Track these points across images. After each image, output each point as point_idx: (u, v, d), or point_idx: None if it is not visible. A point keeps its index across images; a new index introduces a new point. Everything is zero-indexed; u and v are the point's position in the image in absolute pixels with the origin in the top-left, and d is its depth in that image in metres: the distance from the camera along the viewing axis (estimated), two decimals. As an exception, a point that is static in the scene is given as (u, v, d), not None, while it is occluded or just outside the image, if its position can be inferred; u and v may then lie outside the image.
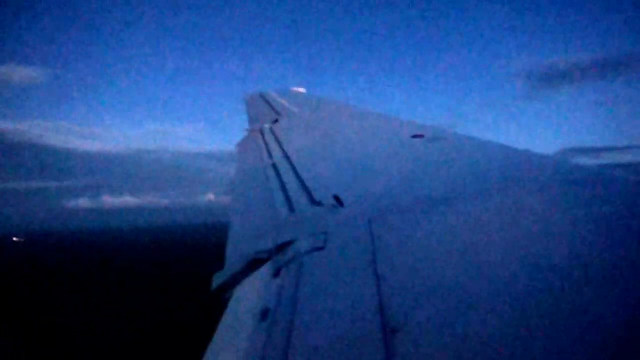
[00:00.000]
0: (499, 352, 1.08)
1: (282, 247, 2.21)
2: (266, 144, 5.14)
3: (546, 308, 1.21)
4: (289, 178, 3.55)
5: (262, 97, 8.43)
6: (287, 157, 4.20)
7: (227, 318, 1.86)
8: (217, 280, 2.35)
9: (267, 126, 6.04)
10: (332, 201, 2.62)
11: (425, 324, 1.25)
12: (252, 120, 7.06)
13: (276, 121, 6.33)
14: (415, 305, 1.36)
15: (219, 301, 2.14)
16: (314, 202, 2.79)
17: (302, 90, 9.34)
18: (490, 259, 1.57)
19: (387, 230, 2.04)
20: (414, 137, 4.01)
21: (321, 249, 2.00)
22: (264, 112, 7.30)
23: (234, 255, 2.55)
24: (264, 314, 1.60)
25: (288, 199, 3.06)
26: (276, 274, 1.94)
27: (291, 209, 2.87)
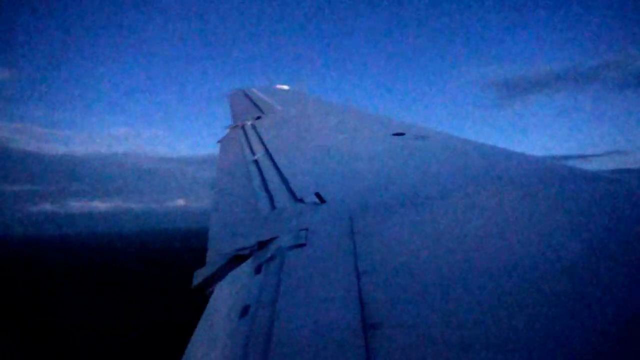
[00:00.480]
0: (479, 347, 1.10)
1: (263, 244, 2.21)
2: (248, 141, 5.12)
3: (526, 304, 1.24)
4: (270, 175, 3.55)
5: (245, 94, 8.40)
6: (269, 154, 4.20)
7: (207, 314, 1.86)
8: (198, 276, 2.34)
9: (249, 123, 6.02)
10: (314, 198, 2.63)
11: (405, 320, 1.27)
12: (235, 117, 7.02)
13: (259, 118, 6.30)
14: (396, 301, 1.38)
15: (200, 298, 2.13)
16: (295, 198, 2.79)
17: (285, 87, 9.32)
18: (471, 256, 1.59)
19: (368, 227, 2.05)
20: (396, 135, 4.04)
21: (302, 245, 2.01)
22: (246, 108, 7.27)
23: (215, 251, 2.54)
24: (245, 311, 1.60)
25: (269, 196, 3.06)
26: (257, 270, 1.94)
27: (273, 205, 2.87)
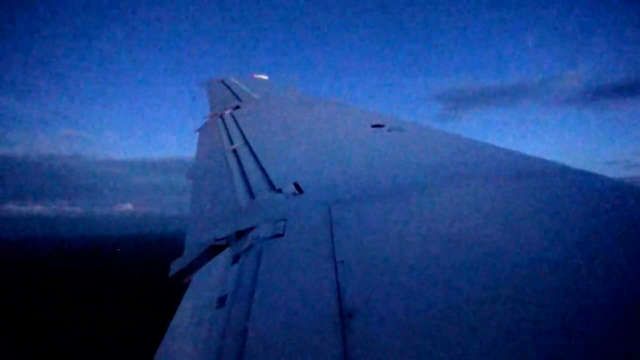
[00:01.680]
0: (454, 335, 1.12)
1: (241, 234, 2.21)
2: (227, 130, 5.08)
3: (501, 293, 1.27)
4: (249, 164, 3.53)
5: (224, 82, 8.31)
6: (247, 144, 4.17)
7: (184, 304, 1.85)
8: (175, 266, 2.33)
9: (228, 112, 5.96)
10: (292, 188, 2.63)
11: (381, 310, 1.28)
12: (213, 106, 6.95)
13: (237, 107, 6.25)
14: (372, 291, 1.39)
15: (177, 288, 2.12)
16: (273, 188, 2.79)
17: (264, 77, 9.25)
18: (447, 247, 1.62)
19: (346, 218, 2.07)
20: (374, 126, 4.06)
21: (280, 235, 2.01)
22: (225, 97, 7.20)
23: (193, 241, 2.53)
24: (222, 301, 1.60)
25: (248, 186, 3.05)
26: (235, 260, 1.94)
27: (251, 195, 2.86)
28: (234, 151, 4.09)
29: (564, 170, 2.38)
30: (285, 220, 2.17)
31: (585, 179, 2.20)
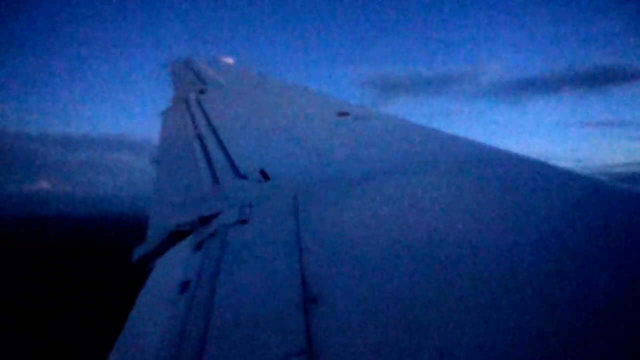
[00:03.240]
0: (415, 320, 1.16)
1: (205, 220, 2.20)
2: (192, 115, 4.99)
3: (461, 275, 1.33)
4: (214, 150, 3.49)
5: (188, 64, 8.13)
6: (213, 129, 4.12)
7: (146, 290, 1.84)
8: (138, 252, 2.30)
9: (192, 96, 5.85)
10: (258, 175, 2.63)
11: (344, 295, 1.32)
12: (177, 89, 6.80)
13: (202, 91, 6.14)
14: (336, 277, 1.43)
15: (140, 273, 2.10)
16: (239, 175, 2.78)
17: (230, 60, 9.10)
18: (409, 234, 1.67)
19: (311, 205, 2.09)
20: (340, 114, 4.08)
21: (245, 222, 2.01)
22: (189, 80, 7.05)
23: (156, 227, 2.50)
24: (184, 286, 1.60)
25: (212, 171, 3.02)
26: (198, 246, 1.93)
27: (216, 181, 2.84)
28: (199, 136, 4.03)
29: (522, 160, 2.46)
30: (250, 206, 2.17)
31: (542, 169, 2.29)
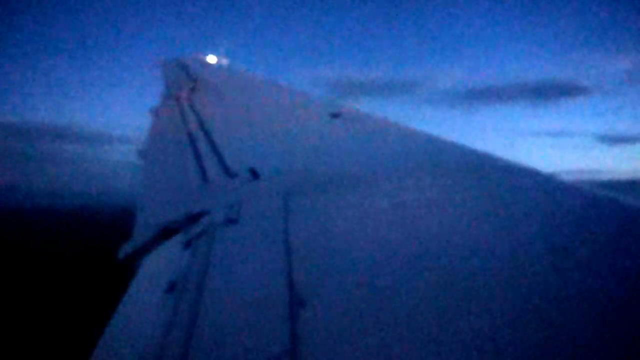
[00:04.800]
0: (403, 324, 1.15)
1: (194, 218, 2.18)
2: (182, 112, 4.96)
3: (450, 279, 1.32)
4: (204, 148, 3.47)
5: (180, 63, 8.09)
6: (203, 127, 4.09)
7: (133, 288, 1.81)
8: (125, 249, 2.27)
9: (184, 94, 5.81)
10: (248, 174, 2.61)
11: (331, 298, 1.30)
12: (168, 87, 6.75)
13: (193, 89, 6.11)
14: (324, 279, 1.41)
15: (126, 271, 2.07)
16: (228, 173, 2.75)
17: (223, 60, 9.07)
18: (399, 236, 1.66)
19: (301, 205, 2.07)
20: (332, 115, 4.07)
21: (234, 221, 1.99)
22: (181, 79, 7.01)
23: (144, 224, 2.46)
24: (172, 286, 1.58)
25: (202, 169, 2.99)
26: (187, 245, 1.91)
27: (205, 179, 2.81)
28: (189, 134, 4.00)
29: (513, 167, 2.46)
30: (240, 205, 2.15)
31: (532, 176, 2.29)
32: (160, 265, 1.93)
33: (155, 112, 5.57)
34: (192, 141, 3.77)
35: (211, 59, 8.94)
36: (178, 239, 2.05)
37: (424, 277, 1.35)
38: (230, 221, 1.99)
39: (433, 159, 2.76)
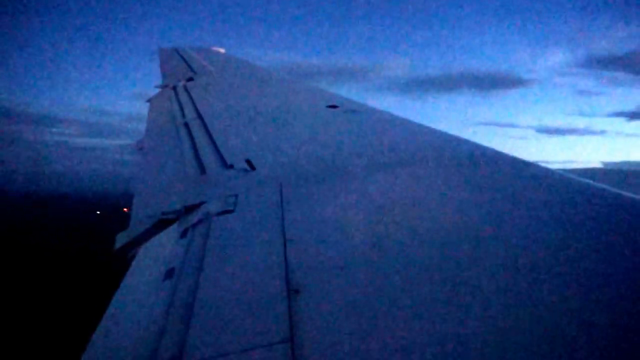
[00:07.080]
0: (397, 313, 1.17)
1: (190, 209, 2.19)
2: (179, 103, 4.95)
3: (443, 271, 1.34)
4: (201, 139, 3.47)
5: (178, 52, 8.05)
6: (200, 118, 4.09)
7: (129, 277, 1.82)
8: (121, 239, 2.28)
9: (181, 84, 5.80)
10: (244, 165, 2.61)
11: (327, 287, 1.32)
12: (165, 76, 6.73)
13: (191, 79, 6.09)
14: (319, 268, 1.43)
15: (122, 260, 2.08)
16: (225, 164, 2.76)
17: (221, 50, 9.03)
18: (394, 228, 1.67)
19: (297, 196, 2.09)
20: (329, 107, 4.07)
21: (231, 211, 2.01)
22: (179, 68, 6.98)
23: (140, 214, 2.47)
24: (169, 273, 1.59)
25: (199, 160, 3.00)
26: (183, 234, 1.92)
27: (202, 170, 2.82)
28: (186, 124, 4.00)
29: (511, 160, 2.47)
30: (236, 196, 2.16)
31: (531, 169, 2.30)
32: (156, 253, 1.94)
33: (153, 102, 5.56)
34: (189, 131, 3.77)
35: (210, 48, 8.90)
36: (174, 228, 2.06)
37: (419, 268, 1.37)
38: (226, 211, 2.01)
39: (430, 151, 2.77)
